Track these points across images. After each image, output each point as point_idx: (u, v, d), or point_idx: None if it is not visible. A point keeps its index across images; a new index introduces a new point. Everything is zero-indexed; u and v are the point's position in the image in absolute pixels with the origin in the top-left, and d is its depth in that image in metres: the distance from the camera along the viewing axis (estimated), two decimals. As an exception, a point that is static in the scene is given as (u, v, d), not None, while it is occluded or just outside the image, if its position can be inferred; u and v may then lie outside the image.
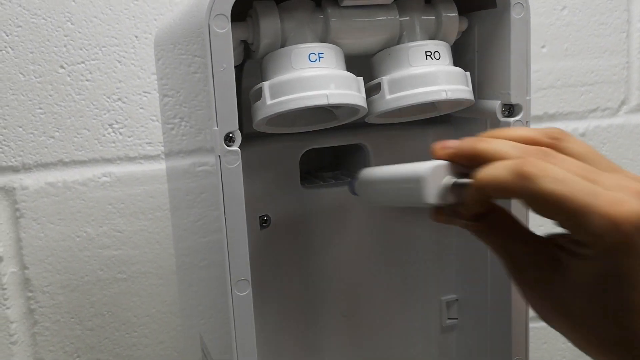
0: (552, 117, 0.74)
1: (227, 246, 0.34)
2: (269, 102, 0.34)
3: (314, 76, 0.34)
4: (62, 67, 0.59)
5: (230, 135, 0.34)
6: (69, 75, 0.59)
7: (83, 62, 0.60)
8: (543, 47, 0.73)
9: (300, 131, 0.40)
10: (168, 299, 0.66)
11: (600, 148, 0.76)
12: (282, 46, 0.36)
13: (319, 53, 0.35)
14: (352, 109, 0.37)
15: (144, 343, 0.66)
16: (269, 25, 0.35)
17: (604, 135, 0.76)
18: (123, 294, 0.64)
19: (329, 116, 0.39)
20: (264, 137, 0.40)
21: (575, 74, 0.74)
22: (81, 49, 0.59)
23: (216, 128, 0.33)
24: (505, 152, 0.29)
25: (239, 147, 0.34)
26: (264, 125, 0.37)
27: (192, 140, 0.39)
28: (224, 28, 0.33)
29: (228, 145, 0.34)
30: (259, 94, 0.35)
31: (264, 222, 0.42)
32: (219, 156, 0.34)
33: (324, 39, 0.37)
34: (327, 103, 0.34)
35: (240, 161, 0.34)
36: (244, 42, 0.37)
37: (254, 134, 0.39)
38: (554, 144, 0.30)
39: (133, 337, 0.66)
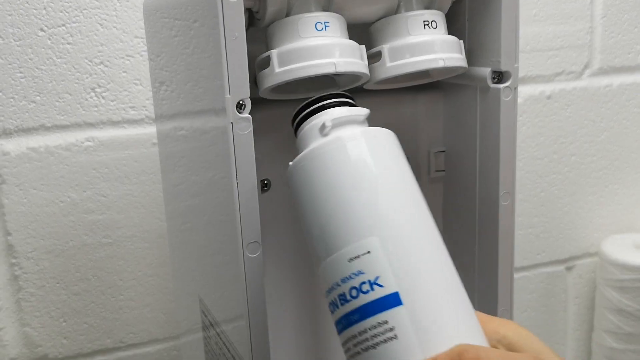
0: (521, 80, 0.77)
1: (239, 211, 0.36)
2: (277, 70, 0.35)
3: (322, 45, 0.35)
4: (42, 30, 0.58)
5: (241, 102, 0.35)
6: (49, 39, 0.58)
7: (63, 25, 0.58)
8: (515, 12, 0.75)
9: (302, 97, 0.41)
10: (154, 262, 0.66)
11: (565, 110, 0.80)
12: (287, 15, 0.37)
13: (325, 22, 0.36)
14: (355, 76, 0.38)
15: (130, 306, 0.67)
16: (276, -6, 0.36)
17: (568, 97, 0.80)
18: (108, 258, 0.65)
19: (330, 83, 0.41)
20: (263, 102, 0.41)
21: (543, 39, 0.77)
22: (61, 12, 0.58)
23: (229, 96, 0.34)
24: None
25: (249, 114, 0.35)
26: (269, 92, 0.38)
27: (189, 105, 0.40)
28: (236, -3, 0.33)
29: (239, 113, 0.35)
30: (266, 62, 0.36)
31: (265, 185, 0.43)
32: (231, 123, 0.34)
33: (327, 7, 0.38)
34: (335, 71, 0.35)
35: (251, 127, 0.35)
36: (249, 10, 0.37)
37: (253, 100, 0.40)
38: None
39: (119, 300, 0.66)
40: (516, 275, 0.82)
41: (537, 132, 0.79)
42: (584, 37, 0.79)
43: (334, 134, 0.32)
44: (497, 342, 0.31)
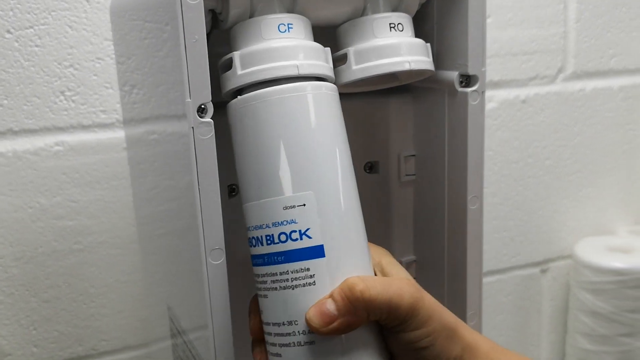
0: (496, 84, 0.78)
1: (201, 217, 0.35)
2: (239, 72, 0.35)
3: (284, 47, 0.35)
4: (9, 32, 0.57)
5: (203, 106, 0.34)
6: (16, 41, 0.57)
7: (31, 27, 0.57)
8: (488, 17, 0.75)
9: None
10: (126, 269, 0.65)
11: (539, 114, 0.81)
12: (251, 16, 0.36)
13: (288, 24, 0.36)
14: (320, 79, 0.38)
15: (102, 313, 0.66)
16: (240, -4, 0.35)
17: (542, 102, 0.80)
18: (79, 265, 0.64)
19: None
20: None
21: (517, 43, 0.78)
22: (29, 13, 0.57)
23: (189, 100, 0.34)
24: None
25: (211, 118, 0.34)
26: (232, 95, 0.37)
27: (164, 109, 0.40)
28: (196, -1, 0.33)
29: (201, 117, 0.34)
30: (228, 64, 0.36)
31: (232, 190, 0.43)
32: (192, 128, 0.34)
33: (291, 9, 0.37)
34: (297, 73, 0.35)
35: (213, 132, 0.35)
36: (212, 11, 0.37)
37: (222, 103, 0.40)
38: None
39: (91, 307, 0.65)
40: (492, 278, 0.83)
41: (512, 136, 0.80)
42: (558, 41, 0.80)
43: (289, 85, 0.33)
44: (375, 266, 0.36)
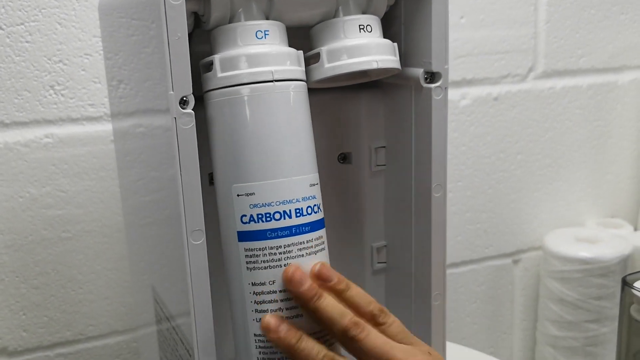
0: (469, 82, 0.81)
1: (182, 200, 0.38)
2: (219, 74, 0.38)
3: (260, 53, 0.38)
4: (0, 28, 0.59)
5: (185, 98, 0.37)
6: (8, 37, 0.60)
7: (22, 24, 0.60)
8: (462, 17, 0.79)
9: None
10: (113, 256, 0.68)
11: (511, 110, 0.84)
12: (231, 20, 0.39)
13: (265, 30, 0.39)
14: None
15: (89, 299, 0.68)
16: (220, 0, 0.38)
17: (513, 99, 0.84)
18: (68, 252, 0.66)
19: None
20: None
21: (490, 42, 0.81)
22: (20, 11, 0.59)
23: (172, 92, 0.37)
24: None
25: (192, 110, 0.37)
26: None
27: (150, 104, 0.42)
28: (179, 0, 0.36)
29: (183, 108, 0.37)
30: (209, 66, 0.39)
31: (212, 178, 0.46)
32: (175, 118, 0.37)
33: (268, 13, 0.40)
34: (272, 79, 0.38)
35: (194, 122, 0.37)
36: (195, 13, 0.40)
37: (199, 97, 0.43)
38: (373, 318, 0.38)
39: (79, 293, 0.68)
40: (465, 268, 0.86)
41: (484, 132, 0.83)
42: (529, 41, 0.83)
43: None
44: None
